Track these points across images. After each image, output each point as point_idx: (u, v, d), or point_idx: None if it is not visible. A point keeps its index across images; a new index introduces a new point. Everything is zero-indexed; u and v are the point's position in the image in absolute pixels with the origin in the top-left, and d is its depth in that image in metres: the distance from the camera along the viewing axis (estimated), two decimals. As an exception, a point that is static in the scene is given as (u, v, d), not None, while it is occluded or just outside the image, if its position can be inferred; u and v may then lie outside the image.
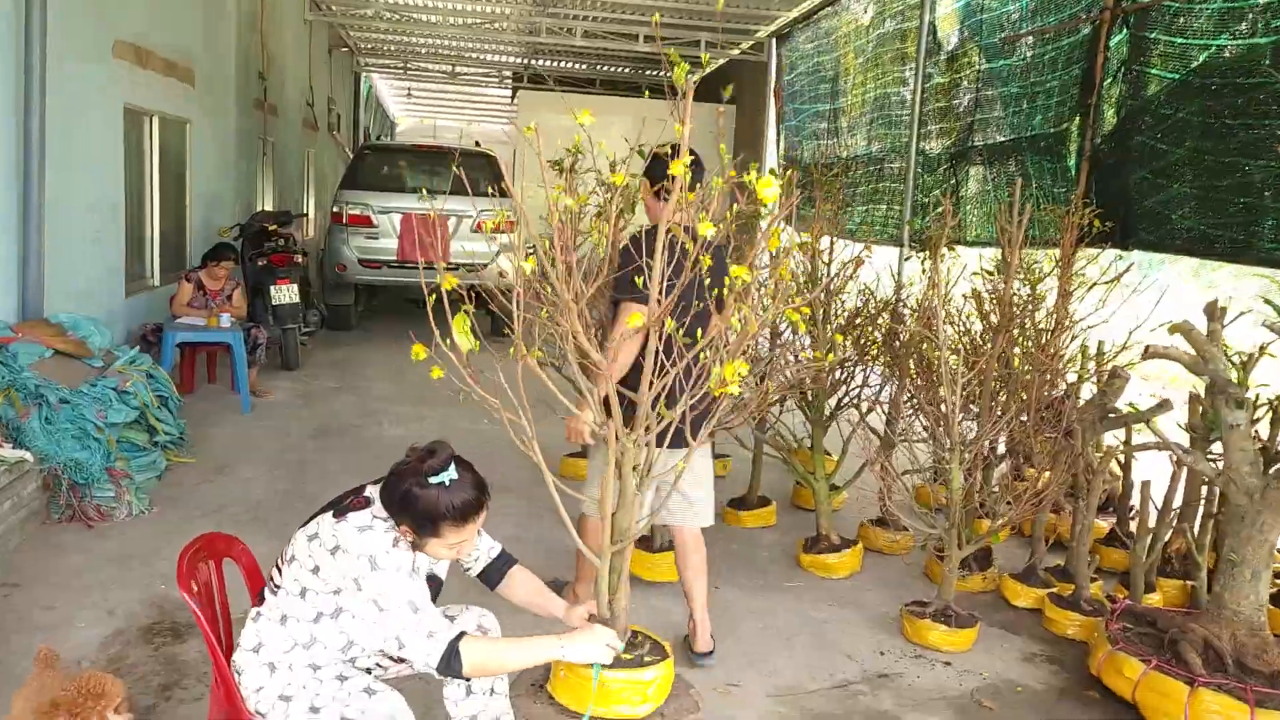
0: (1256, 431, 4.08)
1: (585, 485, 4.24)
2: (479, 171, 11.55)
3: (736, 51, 15.58)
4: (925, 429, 5.12)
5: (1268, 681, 3.69)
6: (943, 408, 4.48)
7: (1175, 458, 4.44)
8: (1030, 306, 5.39)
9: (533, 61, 20.09)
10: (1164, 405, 4.61)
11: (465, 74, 22.77)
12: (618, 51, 16.79)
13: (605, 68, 20.21)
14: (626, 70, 20.12)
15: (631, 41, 15.39)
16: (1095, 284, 5.71)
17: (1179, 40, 6.50)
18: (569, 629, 2.85)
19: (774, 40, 14.81)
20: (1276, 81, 5.65)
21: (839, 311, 5.69)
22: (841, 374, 5.67)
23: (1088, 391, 5.58)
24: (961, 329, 5.54)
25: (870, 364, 5.80)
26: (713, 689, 3.87)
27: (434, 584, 2.80)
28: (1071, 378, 5.59)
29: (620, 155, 4.00)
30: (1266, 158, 5.74)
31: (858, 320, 5.72)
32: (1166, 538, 4.86)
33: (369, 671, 2.80)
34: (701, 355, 2.78)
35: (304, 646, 2.64)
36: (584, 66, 20.28)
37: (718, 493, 6.19)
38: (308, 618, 2.62)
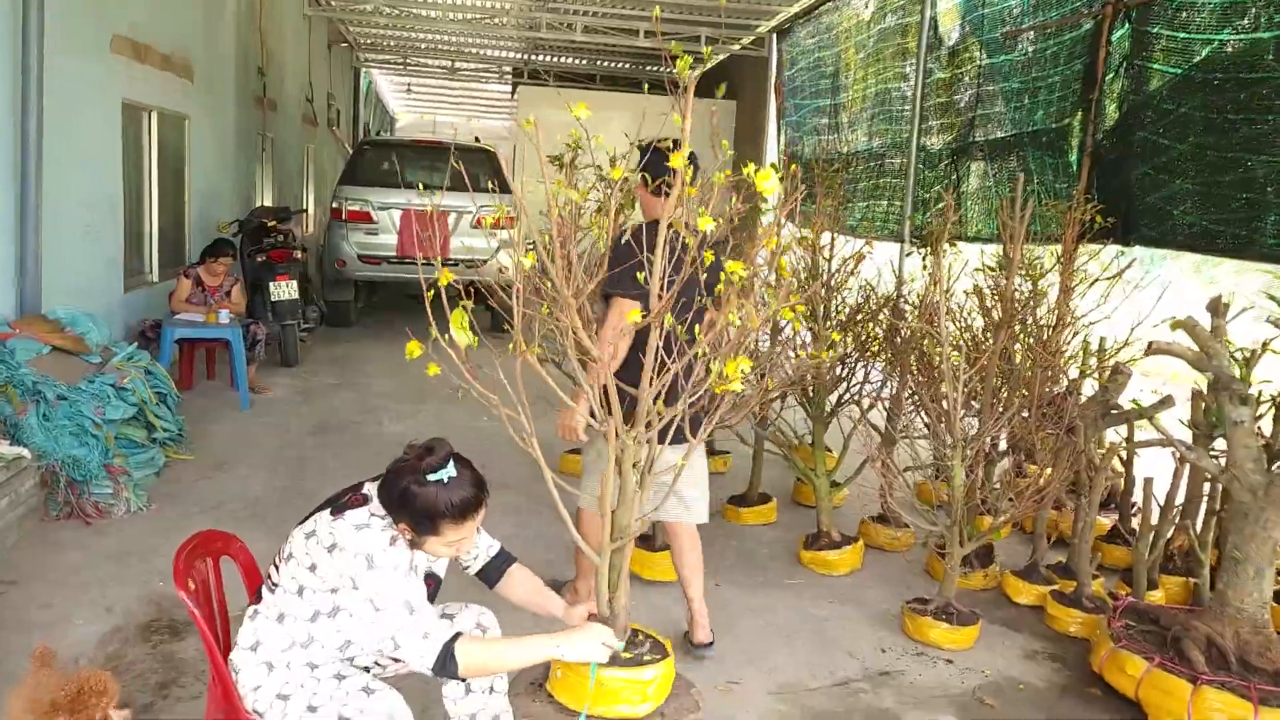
0: (1260, 428, 4.06)
1: (581, 479, 4.24)
2: (479, 167, 11.53)
3: (737, 47, 15.55)
4: (926, 425, 5.10)
5: (1271, 679, 3.67)
6: (944, 404, 4.46)
7: (1178, 454, 4.42)
8: (1032, 302, 5.37)
9: (533, 57, 20.05)
10: (1166, 401, 4.59)
11: (465, 69, 22.75)
12: (618, 47, 16.75)
13: (605, 63, 20.18)
14: (626, 66, 20.09)
15: (632, 37, 15.36)
16: (1097, 280, 5.69)
17: (1181, 35, 6.47)
18: (568, 628, 2.83)
19: (775, 35, 14.78)
20: (1279, 76, 5.63)
21: (839, 308, 5.67)
22: (842, 370, 5.66)
23: (1089, 388, 5.57)
24: (963, 325, 5.52)
25: (871, 360, 5.78)
26: (713, 687, 3.85)
27: (433, 582, 2.78)
28: (1073, 374, 5.57)
29: (620, 150, 4.00)
30: (1269, 153, 5.72)
31: (859, 316, 5.70)
32: (1169, 535, 4.84)
33: (367, 670, 2.78)
34: (699, 352, 2.76)
35: (302, 645, 2.62)
36: (584, 62, 20.25)
37: (718, 490, 6.20)
38: (305, 616, 2.60)
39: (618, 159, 3.90)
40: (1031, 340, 5.28)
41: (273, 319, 9.03)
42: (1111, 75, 7.21)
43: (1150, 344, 3.94)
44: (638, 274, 2.87)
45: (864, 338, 5.74)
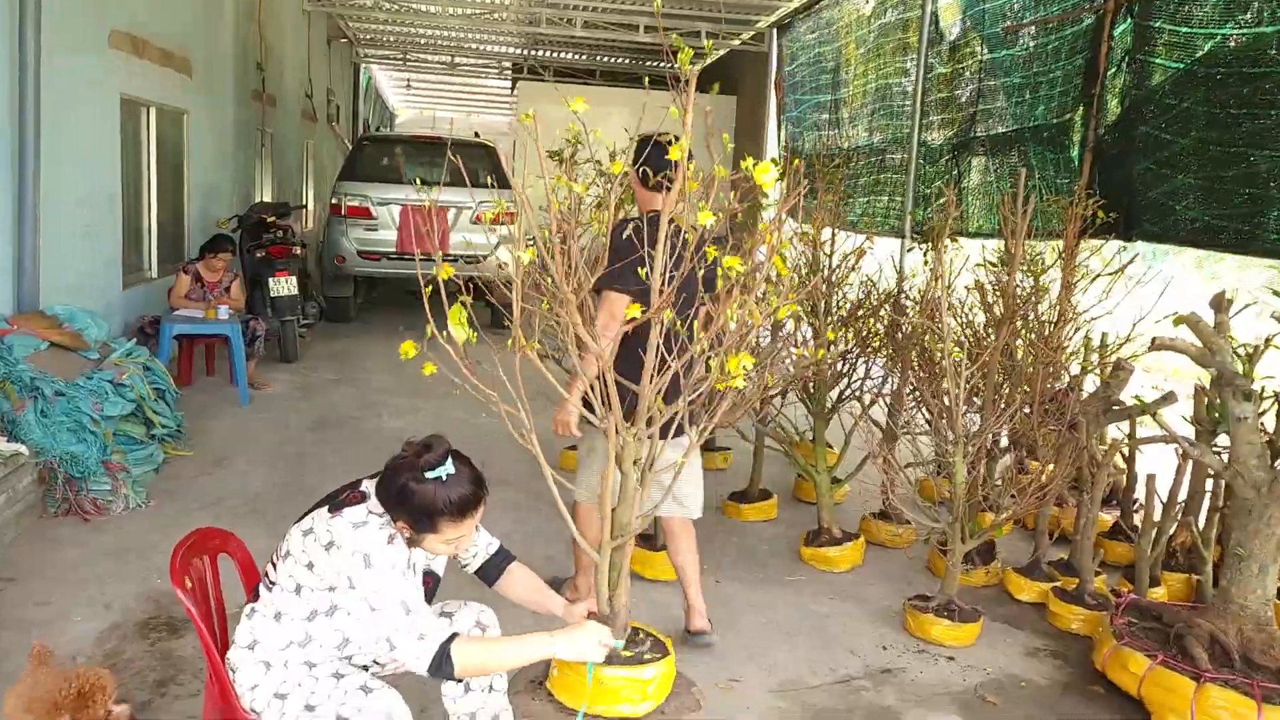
0: (1263, 424, 4.04)
1: (577, 472, 4.23)
2: (478, 163, 11.50)
3: (737, 42, 15.51)
4: (928, 421, 5.09)
5: (1275, 677, 3.65)
6: (946, 400, 4.43)
7: (1181, 451, 4.40)
8: (1033, 298, 5.35)
9: (532, 52, 20.02)
10: (1169, 398, 4.57)
11: (465, 65, 22.71)
12: (617, 42, 16.72)
13: (605, 58, 20.15)
14: (626, 61, 20.05)
15: (631, 32, 15.33)
16: (1099, 275, 5.67)
17: (1184, 29, 6.44)
18: (566, 626, 2.81)
19: (775, 31, 14.75)
20: (1283, 70, 5.60)
21: (840, 303, 5.65)
22: (843, 366, 5.63)
23: (1091, 384, 5.55)
24: (964, 321, 5.50)
25: (872, 356, 5.75)
26: (714, 684, 3.83)
27: (431, 580, 2.76)
28: (1075, 370, 5.55)
29: (619, 146, 3.97)
30: (1272, 148, 5.70)
31: (859, 312, 5.68)
32: (1171, 531, 4.82)
33: (366, 669, 2.76)
34: (699, 349, 2.74)
35: (299, 644, 2.60)
36: (584, 57, 20.22)
37: (719, 486, 6.22)
38: (302, 615, 2.58)
39: (617, 154, 3.88)
40: (1033, 336, 5.26)
41: (272, 315, 9.01)
42: (1113, 70, 7.18)
43: (1154, 340, 3.92)
44: (630, 268, 2.85)
45: (865, 333, 5.71)
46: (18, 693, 2.91)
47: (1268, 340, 4.26)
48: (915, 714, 3.80)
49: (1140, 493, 5.26)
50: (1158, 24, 6.63)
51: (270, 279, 8.98)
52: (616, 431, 2.76)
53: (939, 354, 4.85)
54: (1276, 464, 3.85)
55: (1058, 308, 5.47)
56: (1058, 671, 4.22)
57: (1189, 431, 4.59)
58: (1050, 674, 4.19)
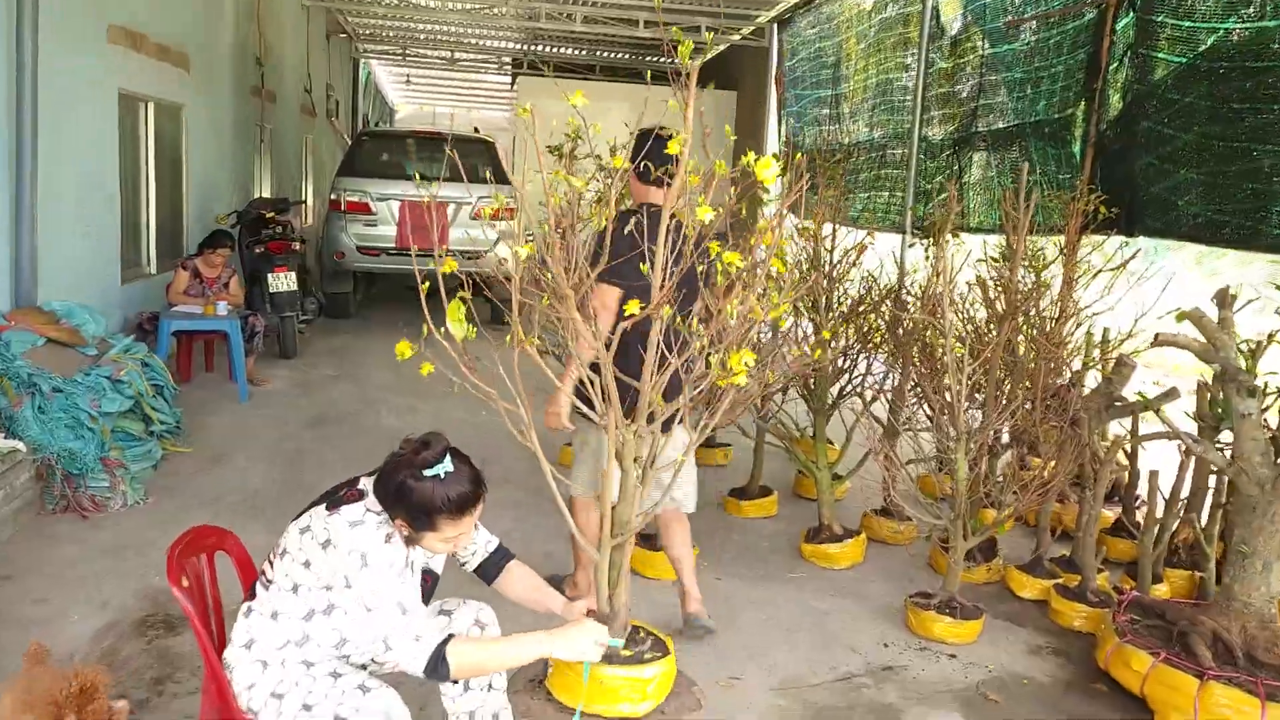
0: (1266, 421, 4.02)
1: (572, 467, 4.22)
2: (477, 158, 11.46)
3: (737, 37, 15.47)
4: (929, 418, 5.06)
5: (1278, 675, 3.63)
6: (947, 396, 4.41)
7: (1184, 447, 4.37)
8: (1035, 294, 5.32)
9: (532, 47, 19.98)
10: (1171, 394, 4.54)
11: (464, 60, 22.66)
12: (617, 37, 16.68)
13: (605, 54, 20.10)
14: (626, 56, 20.01)
15: (631, 27, 15.29)
16: (1100, 271, 5.64)
17: (1186, 23, 6.41)
18: (565, 623, 2.79)
19: (775, 25, 14.70)
20: (1286, 65, 5.57)
21: (841, 299, 5.62)
22: (844, 362, 5.61)
23: (1092, 380, 5.53)
24: (965, 317, 5.47)
25: (873, 352, 5.73)
26: (714, 683, 3.80)
27: (430, 579, 2.73)
28: (1077, 366, 5.53)
29: (620, 141, 3.94)
30: (1275, 143, 5.67)
31: (860, 308, 5.65)
32: (1174, 528, 4.80)
33: (364, 668, 2.73)
34: (698, 345, 2.72)
35: (296, 644, 2.58)
36: (583, 52, 20.17)
37: (719, 482, 6.20)
38: (300, 615, 2.56)
39: (618, 149, 3.85)
40: (1035, 332, 5.23)
41: (271, 311, 8.98)
42: (1115, 64, 7.15)
43: (1157, 335, 3.89)
44: (628, 262, 2.83)
45: (866, 329, 5.69)
46: (14, 692, 2.89)
47: (1271, 336, 4.24)
48: (917, 712, 3.78)
49: (1142, 489, 5.24)
50: (1160, 18, 6.60)
51: (269, 275, 8.96)
52: (616, 427, 2.74)
53: (941, 350, 4.82)
54: (1280, 461, 3.82)
55: (1059, 304, 5.44)
56: (1060, 669, 4.19)
57: (1191, 428, 4.57)
58: (1052, 672, 4.17)
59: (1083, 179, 7.15)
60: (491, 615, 2.94)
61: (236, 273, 8.32)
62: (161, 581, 4.30)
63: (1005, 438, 5.50)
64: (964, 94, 9.39)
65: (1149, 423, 5.28)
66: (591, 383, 2.85)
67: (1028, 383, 4.97)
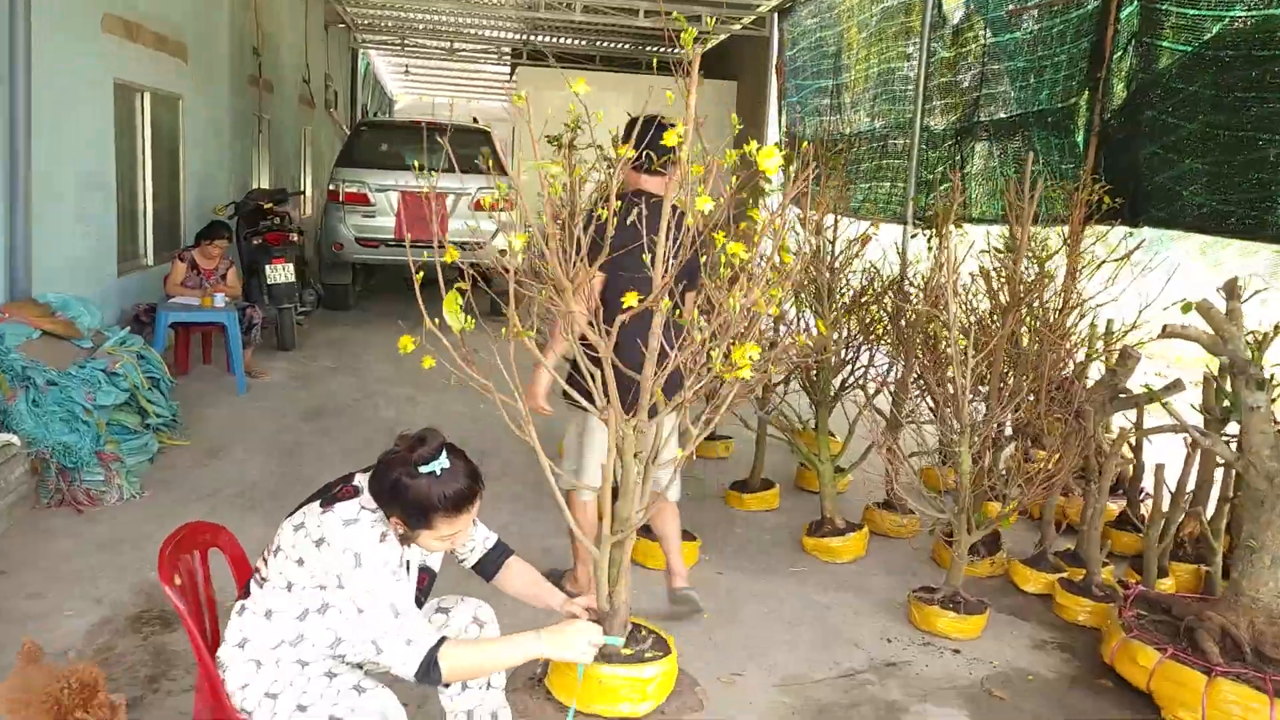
0: (1275, 413, 3.97)
1: (564, 460, 4.18)
2: (475, 148, 11.40)
3: (738, 26, 15.39)
4: (932, 410, 5.01)
5: (1287, 671, 3.59)
6: (950, 388, 4.36)
7: (1191, 440, 4.33)
8: (1039, 285, 5.27)
9: (532, 37, 19.88)
10: (1176, 385, 4.50)
11: (464, 50, 22.56)
12: (617, 27, 16.59)
13: (605, 44, 20.01)
14: (626, 46, 19.92)
15: (632, 16, 15.21)
16: (1104, 262, 5.59)
17: (1191, 11, 6.36)
18: (562, 621, 2.74)
19: (776, 15, 14.63)
20: (1293, 53, 5.52)
21: (843, 291, 5.57)
22: (846, 353, 5.56)
23: (1096, 371, 5.48)
24: (969, 308, 5.42)
25: (875, 344, 5.68)
26: (716, 679, 3.75)
27: (426, 576, 2.69)
28: (1081, 357, 5.47)
29: (620, 131, 3.89)
30: (1281, 132, 5.62)
31: (863, 299, 5.60)
32: (1179, 521, 4.75)
33: (360, 667, 2.68)
34: (687, 327, 2.67)
35: (291, 643, 2.53)
36: (583, 42, 20.08)
37: (720, 475, 6.16)
38: (294, 614, 2.51)
39: (618, 139, 3.81)
40: (1038, 323, 5.18)
41: (269, 302, 8.94)
42: (1119, 53, 7.10)
43: (1164, 327, 3.84)
44: (605, 249, 2.77)
45: (868, 321, 5.64)
46: (7, 691, 2.86)
47: (1277, 327, 4.19)
48: (921, 709, 3.73)
49: (1147, 482, 5.20)
50: (1165, 6, 6.54)
51: (267, 266, 8.91)
52: (615, 421, 2.69)
53: (944, 342, 4.77)
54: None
55: (1063, 295, 5.39)
56: (1065, 664, 4.15)
57: (1197, 420, 4.52)
58: (1057, 667, 4.12)
59: (1086, 169, 7.10)
60: (490, 613, 2.90)
61: (234, 264, 8.27)
62: (157, 576, 4.26)
63: (1009, 430, 5.46)
64: (966, 83, 9.33)
65: (1154, 415, 5.24)
66: (591, 375, 2.79)
67: (1031, 374, 4.92)
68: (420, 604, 2.72)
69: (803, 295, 5.41)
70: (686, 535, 4.96)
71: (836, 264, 5.41)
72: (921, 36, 9.78)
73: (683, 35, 2.40)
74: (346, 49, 22.16)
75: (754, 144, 2.58)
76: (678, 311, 2.74)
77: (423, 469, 2.39)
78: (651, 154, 3.26)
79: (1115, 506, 5.53)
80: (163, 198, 9.17)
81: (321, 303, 11.65)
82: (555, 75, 16.87)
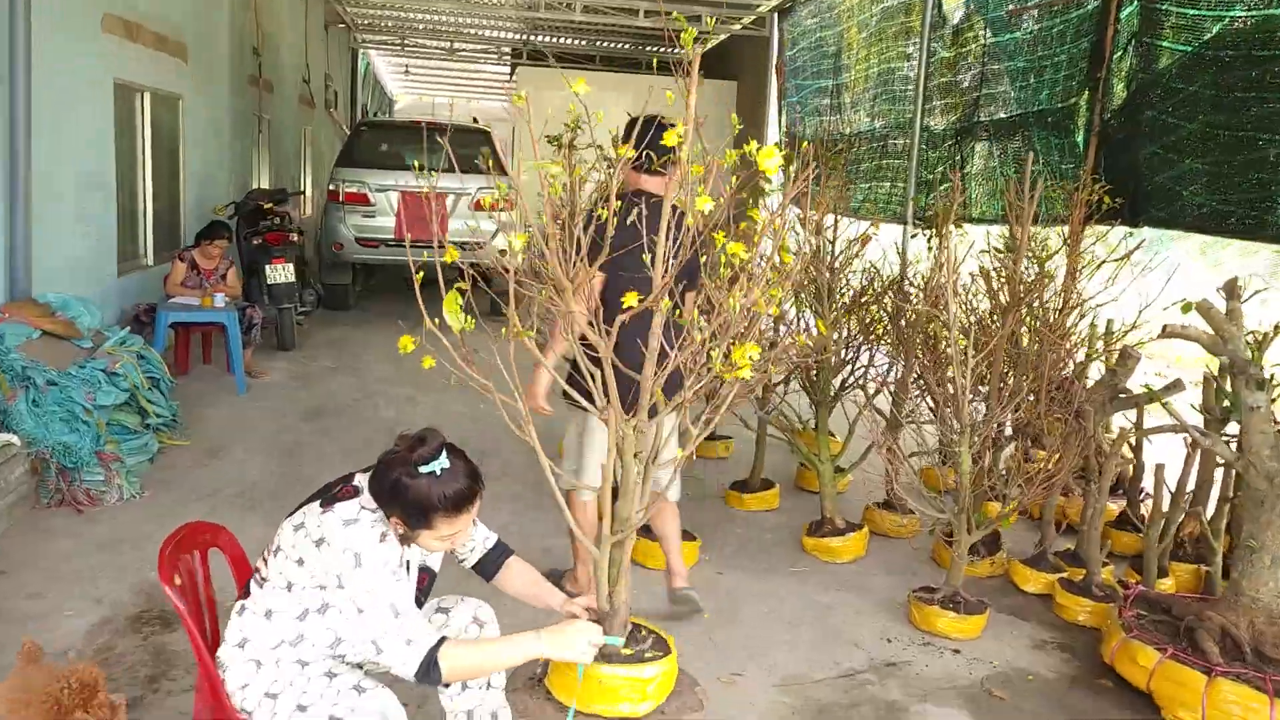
0: (1275, 414, 3.97)
1: (564, 460, 4.18)
2: (475, 148, 11.39)
3: (738, 26, 15.39)
4: (932, 410, 5.01)
5: (1287, 671, 3.59)
6: (950, 388, 4.36)
7: (1191, 440, 4.32)
8: (1039, 285, 5.26)
9: (532, 37, 19.88)
10: (1176, 385, 4.50)
11: (464, 50, 22.55)
12: (617, 27, 16.58)
13: (605, 44, 20.01)
14: (626, 46, 19.91)
15: (632, 16, 15.20)
16: (1104, 262, 5.58)
17: (1191, 11, 6.35)
18: (565, 620, 2.73)
19: (776, 15, 14.62)
20: (1293, 53, 5.52)
21: (843, 291, 5.56)
22: (846, 352, 5.55)
23: (1096, 371, 5.48)
24: (968, 308, 5.42)
25: (875, 343, 5.67)
26: (716, 679, 3.75)
27: (426, 577, 2.69)
28: (1080, 357, 5.47)
29: (621, 132, 3.89)
30: (1281, 132, 5.62)
31: (863, 299, 5.60)
32: (1179, 521, 4.75)
33: (360, 666, 2.68)
34: (686, 325, 2.67)
35: (291, 643, 2.53)
36: (583, 43, 20.07)
37: (720, 475, 6.15)
38: (294, 614, 2.51)
39: (619, 139, 3.81)
40: (1038, 323, 5.18)
41: (269, 302, 8.94)
42: (1119, 53, 7.09)
43: (1164, 327, 3.84)
44: (605, 249, 2.77)
45: (868, 320, 5.63)
46: (7, 691, 2.86)
47: (1277, 327, 4.18)
48: (921, 709, 3.73)
49: (1146, 482, 5.20)
50: (1165, 6, 6.54)
51: (267, 266, 8.91)
52: (604, 417, 2.68)
53: (944, 342, 4.77)
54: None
55: (1063, 295, 5.39)
56: (1065, 664, 4.15)
57: (1197, 420, 4.52)
58: (1058, 667, 4.12)
59: (1086, 169, 7.10)
60: (490, 613, 2.89)
61: (234, 264, 8.27)
62: (157, 576, 4.26)
63: (1008, 430, 5.46)
64: (966, 83, 9.32)
65: (1153, 415, 5.23)
66: (591, 375, 2.79)
67: (1031, 374, 4.92)
68: (420, 604, 2.72)
69: (803, 295, 5.41)
70: (686, 535, 4.96)
71: (836, 264, 5.42)
72: (921, 36, 9.78)
73: (683, 35, 2.40)
74: (346, 49, 22.16)
75: (754, 144, 2.57)
76: (677, 311, 2.74)
77: (423, 469, 2.39)
78: (651, 154, 3.27)
79: (1115, 506, 5.52)
80: (163, 198, 9.17)
81: (321, 303, 11.65)
82: (555, 75, 16.86)
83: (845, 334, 5.53)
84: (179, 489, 5.51)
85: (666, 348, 2.74)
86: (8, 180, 6.01)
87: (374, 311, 12.16)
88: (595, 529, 3.50)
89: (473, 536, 2.85)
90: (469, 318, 2.45)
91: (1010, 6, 8.46)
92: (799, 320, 5.62)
